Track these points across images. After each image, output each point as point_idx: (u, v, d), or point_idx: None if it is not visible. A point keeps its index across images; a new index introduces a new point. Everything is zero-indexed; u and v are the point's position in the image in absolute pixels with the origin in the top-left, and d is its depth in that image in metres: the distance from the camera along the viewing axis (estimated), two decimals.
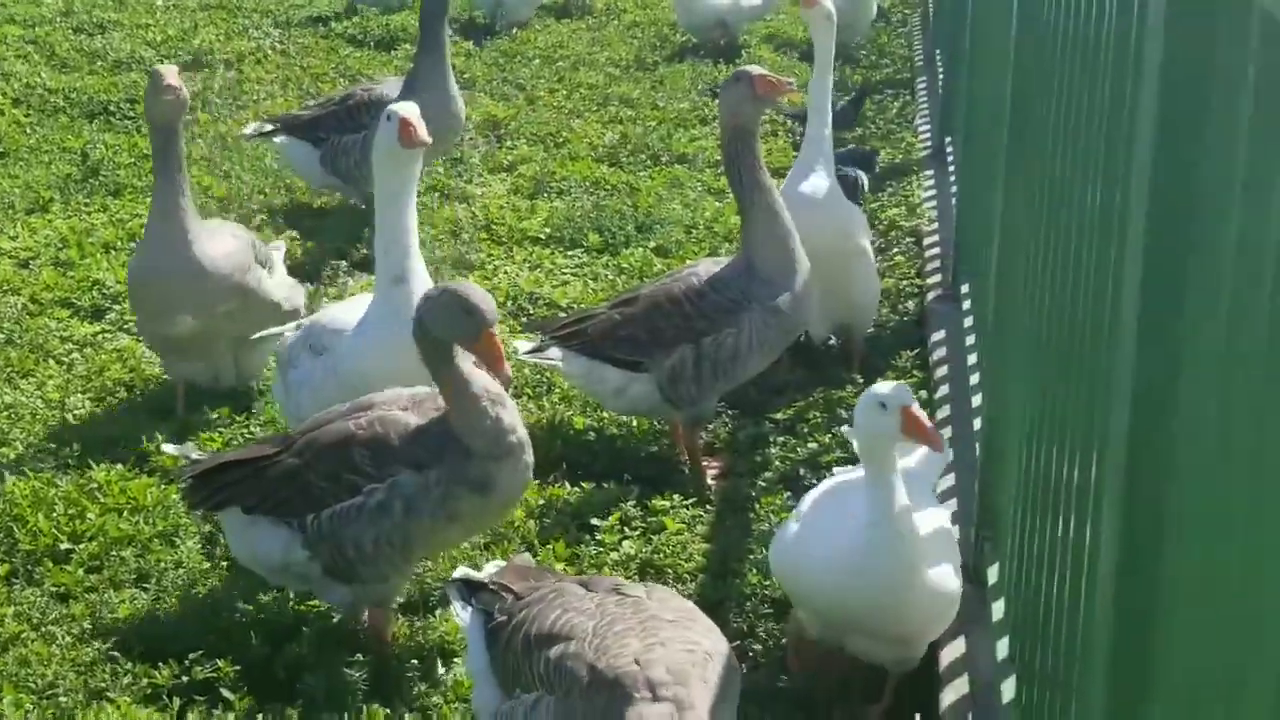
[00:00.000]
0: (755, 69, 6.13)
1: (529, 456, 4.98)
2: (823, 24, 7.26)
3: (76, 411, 6.77)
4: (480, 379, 4.88)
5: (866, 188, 8.83)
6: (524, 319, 7.78)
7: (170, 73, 6.57)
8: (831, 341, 7.31)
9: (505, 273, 8.30)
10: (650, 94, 11.51)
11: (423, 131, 5.64)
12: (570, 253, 8.59)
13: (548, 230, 8.85)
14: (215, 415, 6.68)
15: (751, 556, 5.64)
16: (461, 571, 4.63)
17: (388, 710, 4.81)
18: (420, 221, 8.75)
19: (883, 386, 4.62)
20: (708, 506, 6.00)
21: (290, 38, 12.92)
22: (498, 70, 12.15)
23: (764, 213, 6.06)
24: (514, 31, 13.24)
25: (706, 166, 9.97)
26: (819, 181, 6.92)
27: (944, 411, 6.23)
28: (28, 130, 10.55)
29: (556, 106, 11.29)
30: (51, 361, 7.27)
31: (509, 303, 7.92)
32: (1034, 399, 4.34)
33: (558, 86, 11.78)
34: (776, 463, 6.31)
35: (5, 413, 6.73)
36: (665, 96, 11.48)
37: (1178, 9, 2.74)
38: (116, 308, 7.82)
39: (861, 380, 6.80)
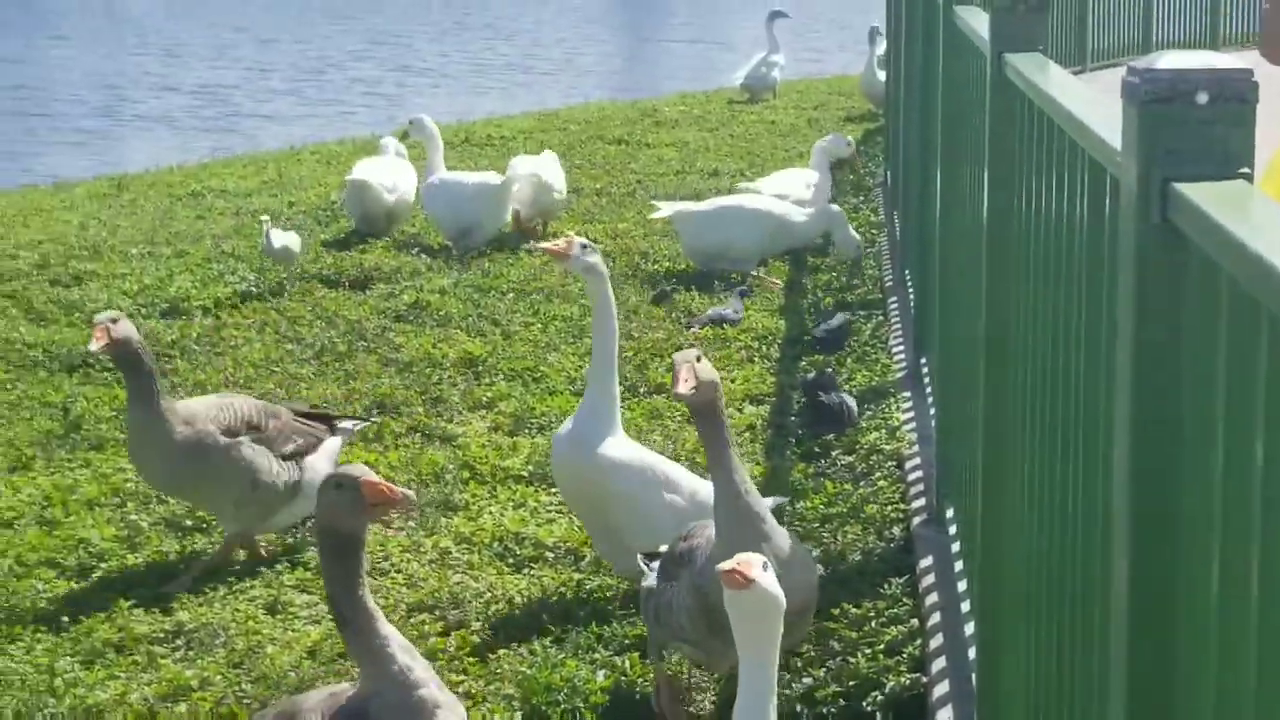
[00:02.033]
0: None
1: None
2: (590, 275, 7.24)
3: (65, 675, 6.72)
4: (388, 628, 4.76)
5: (856, 414, 9.05)
6: (510, 560, 7.77)
7: None
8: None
9: (490, 513, 8.29)
10: (624, 324, 11.62)
11: None
12: (554, 490, 8.59)
13: (530, 468, 8.86)
14: None
15: None
16: None
17: None
18: (402, 464, 8.83)
19: None
20: None
21: (266, 282, 13.03)
22: (472, 306, 12.25)
23: (724, 489, 5.84)
24: (485, 266, 13.39)
25: None
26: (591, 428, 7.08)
27: (936, 640, 6.21)
28: (7, 386, 10.58)
29: (532, 340, 11.39)
30: (39, 624, 7.24)
31: (495, 544, 7.91)
32: (1029, 629, 4.34)
33: (532, 320, 11.88)
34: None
35: None
36: (639, 327, 11.58)
37: (1147, 250, 2.78)
38: (103, 566, 7.81)
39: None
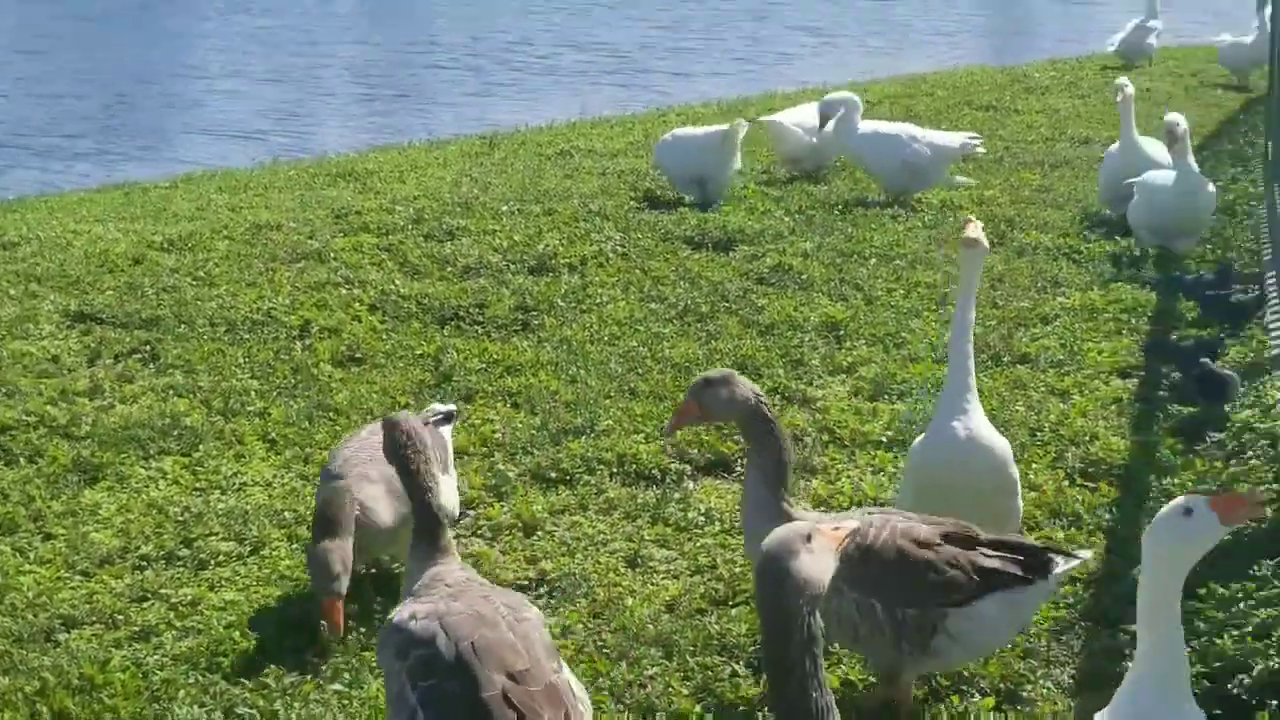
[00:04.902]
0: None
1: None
2: (975, 259, 7.15)
3: None
4: None
5: (1238, 387, 8.81)
6: None
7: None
8: None
9: (848, 477, 8.30)
10: (989, 292, 11.46)
11: None
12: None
13: (889, 433, 8.83)
14: None
15: None
16: None
17: None
18: None
19: (1180, 499, 4.58)
20: None
21: (631, 241, 13.18)
22: (835, 270, 12.23)
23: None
24: (848, 231, 13.33)
25: (1050, 367, 9.87)
26: (970, 421, 6.95)
27: None
28: (383, 336, 10.95)
29: (895, 306, 11.31)
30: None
31: (852, 508, 7.90)
32: None
33: (895, 285, 11.80)
34: None
35: None
36: (1004, 295, 11.43)
37: None
38: (471, 513, 8.04)
39: None
